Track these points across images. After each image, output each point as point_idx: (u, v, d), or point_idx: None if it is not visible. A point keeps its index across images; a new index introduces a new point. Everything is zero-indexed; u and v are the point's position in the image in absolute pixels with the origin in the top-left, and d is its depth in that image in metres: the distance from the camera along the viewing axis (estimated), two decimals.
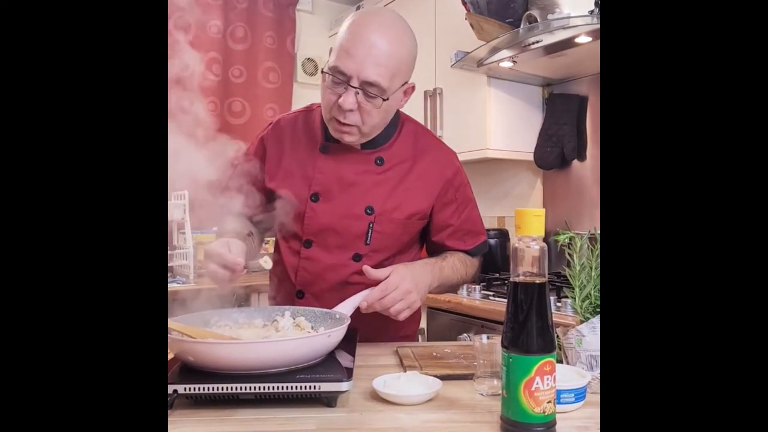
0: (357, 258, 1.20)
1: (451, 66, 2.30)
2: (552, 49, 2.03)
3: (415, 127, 1.29)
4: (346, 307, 1.07)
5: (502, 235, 2.54)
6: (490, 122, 2.39)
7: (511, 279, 0.72)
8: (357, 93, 1.07)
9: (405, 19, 1.14)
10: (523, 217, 0.71)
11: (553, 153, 2.40)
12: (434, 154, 1.26)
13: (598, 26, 1.80)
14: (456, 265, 1.26)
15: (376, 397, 0.84)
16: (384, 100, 1.09)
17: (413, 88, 1.19)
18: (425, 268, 1.17)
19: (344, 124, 1.11)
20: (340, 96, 1.08)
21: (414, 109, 2.70)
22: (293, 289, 1.25)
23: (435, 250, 1.31)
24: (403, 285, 1.08)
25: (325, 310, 1.06)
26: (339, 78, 1.08)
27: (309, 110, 1.31)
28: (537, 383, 0.68)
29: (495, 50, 2.16)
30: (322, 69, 1.12)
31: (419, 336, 2.16)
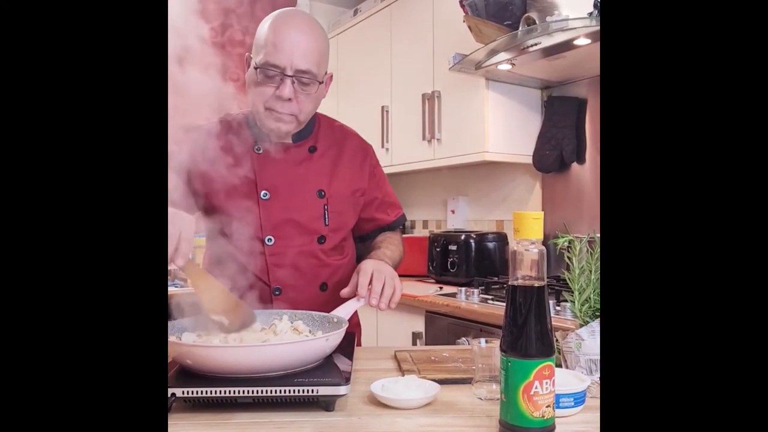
0: (321, 240, 1.27)
1: (449, 69, 2.30)
2: (550, 51, 2.03)
3: (327, 118, 1.40)
4: (344, 311, 1.07)
5: (501, 238, 2.54)
6: (489, 125, 2.39)
7: (509, 283, 0.72)
8: (293, 82, 1.17)
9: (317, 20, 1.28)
10: (522, 220, 0.71)
11: (552, 156, 2.40)
12: (353, 139, 1.39)
13: (597, 28, 1.80)
14: (390, 247, 1.35)
15: (374, 401, 0.84)
16: (319, 83, 1.20)
17: (331, 77, 1.29)
18: (379, 261, 1.21)
19: (282, 113, 1.19)
20: (276, 88, 1.17)
21: (412, 111, 2.70)
22: (268, 289, 1.24)
23: (361, 226, 1.40)
24: (384, 269, 1.16)
25: (322, 313, 1.06)
26: (273, 71, 1.16)
27: (224, 122, 1.31)
28: (536, 387, 0.67)
29: (493, 53, 2.16)
30: (254, 65, 1.19)
31: (417, 340, 2.16)
